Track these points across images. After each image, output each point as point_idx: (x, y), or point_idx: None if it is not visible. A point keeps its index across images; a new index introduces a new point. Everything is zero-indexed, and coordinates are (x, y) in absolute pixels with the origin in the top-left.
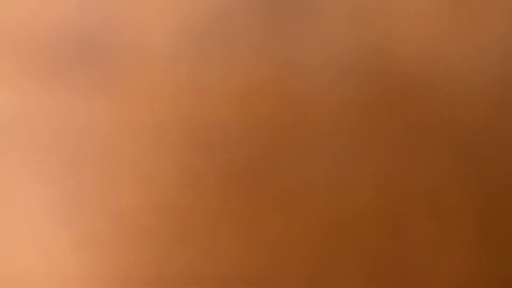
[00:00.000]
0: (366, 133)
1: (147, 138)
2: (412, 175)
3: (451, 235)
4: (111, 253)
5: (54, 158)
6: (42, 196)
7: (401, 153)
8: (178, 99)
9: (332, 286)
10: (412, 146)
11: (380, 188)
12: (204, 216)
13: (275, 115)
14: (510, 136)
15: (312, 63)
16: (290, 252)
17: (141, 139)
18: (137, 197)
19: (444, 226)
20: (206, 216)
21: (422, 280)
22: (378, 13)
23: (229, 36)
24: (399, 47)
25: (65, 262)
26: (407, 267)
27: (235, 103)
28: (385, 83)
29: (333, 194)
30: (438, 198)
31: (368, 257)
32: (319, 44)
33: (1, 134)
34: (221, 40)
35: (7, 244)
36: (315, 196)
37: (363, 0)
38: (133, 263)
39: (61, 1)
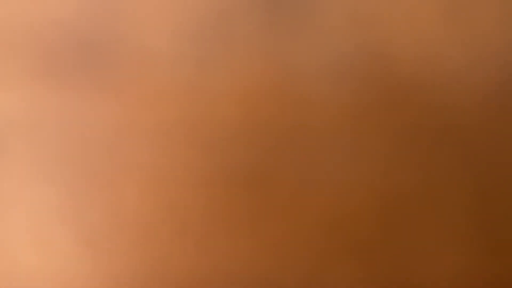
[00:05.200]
0: (366, 134)
1: (150, 139)
2: (413, 175)
3: (451, 234)
4: (112, 254)
5: (56, 159)
6: (44, 196)
7: (401, 154)
8: (181, 100)
9: (332, 286)
10: (412, 147)
11: (380, 189)
12: (205, 217)
13: (277, 116)
14: (509, 136)
15: (312, 64)
16: (291, 252)
17: (144, 140)
18: (139, 198)
19: (443, 225)
20: (208, 216)
21: (422, 279)
22: (378, 16)
23: (230, 38)
24: (399, 49)
25: (66, 262)
26: (407, 267)
27: (237, 104)
28: (385, 84)
29: (333, 195)
30: (437, 198)
31: (368, 257)
32: (320, 46)
33: (5, 134)
34: (222, 42)
35: (7, 244)
36: (316, 197)
37: (363, 2)
38: (134, 263)
39: (65, 3)
